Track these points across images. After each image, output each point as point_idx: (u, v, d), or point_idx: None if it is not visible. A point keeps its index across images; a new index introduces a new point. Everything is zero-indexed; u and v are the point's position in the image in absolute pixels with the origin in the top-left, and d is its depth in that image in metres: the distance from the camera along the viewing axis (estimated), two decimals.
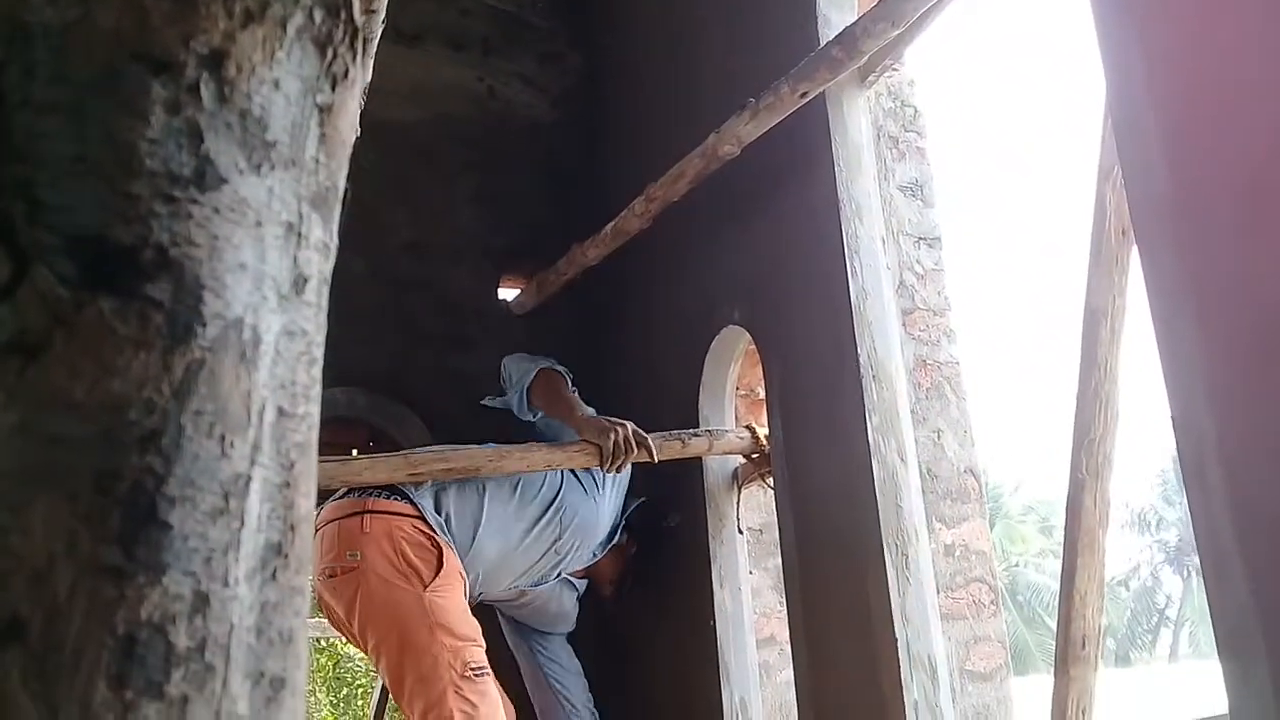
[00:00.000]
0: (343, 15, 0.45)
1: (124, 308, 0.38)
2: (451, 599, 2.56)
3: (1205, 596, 1.61)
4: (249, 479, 0.40)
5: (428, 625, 2.49)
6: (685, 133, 3.03)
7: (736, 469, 3.31)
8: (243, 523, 0.40)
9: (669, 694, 3.45)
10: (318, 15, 0.43)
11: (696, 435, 3.08)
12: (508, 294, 4.02)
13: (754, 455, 3.15)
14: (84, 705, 0.35)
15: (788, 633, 2.93)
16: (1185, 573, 29.59)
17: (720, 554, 3.24)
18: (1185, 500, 1.64)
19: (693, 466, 3.28)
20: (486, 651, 2.60)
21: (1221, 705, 1.56)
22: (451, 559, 2.62)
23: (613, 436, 2.80)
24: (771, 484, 3.03)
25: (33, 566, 0.36)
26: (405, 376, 3.67)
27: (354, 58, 0.46)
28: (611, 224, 3.37)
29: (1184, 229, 1.63)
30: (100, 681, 0.36)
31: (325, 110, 0.44)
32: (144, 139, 0.39)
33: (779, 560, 3.02)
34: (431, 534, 2.63)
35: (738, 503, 3.30)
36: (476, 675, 2.49)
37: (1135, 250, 1.88)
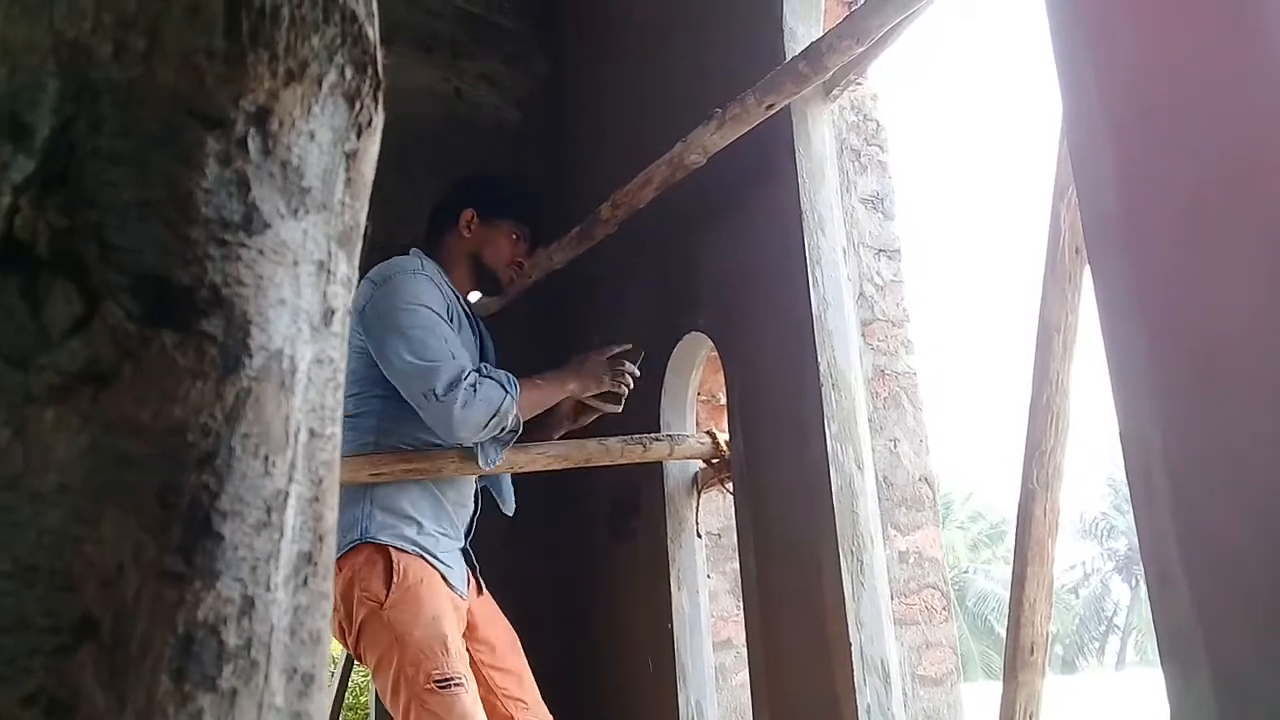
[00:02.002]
0: (369, 71, 0.49)
1: (183, 341, 0.42)
2: (411, 610, 2.47)
3: (1149, 605, 1.66)
4: (287, 494, 0.44)
5: (389, 640, 2.43)
6: (651, 140, 3.07)
7: (696, 473, 3.36)
8: (282, 534, 0.44)
9: (626, 695, 3.49)
10: (348, 72, 0.47)
11: (658, 440, 3.12)
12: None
13: (714, 460, 3.19)
14: (149, 696, 0.39)
15: (744, 636, 2.98)
16: (1133, 581, 30.04)
17: (679, 557, 3.29)
18: (1132, 510, 1.70)
19: (653, 470, 3.32)
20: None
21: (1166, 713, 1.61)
22: (411, 565, 2.54)
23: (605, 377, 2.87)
24: (731, 489, 3.08)
25: (104, 572, 0.39)
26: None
27: (376, 107, 0.50)
28: (577, 229, 3.40)
29: (1134, 248, 1.69)
30: (163, 675, 0.40)
31: (351, 156, 0.48)
32: (200, 188, 0.43)
33: (736, 564, 3.07)
34: (385, 548, 2.54)
35: (697, 507, 3.35)
36: (440, 687, 2.39)
37: (1088, 268, 1.94)
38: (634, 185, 3.07)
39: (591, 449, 2.90)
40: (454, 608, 2.61)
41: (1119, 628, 31.79)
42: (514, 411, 2.59)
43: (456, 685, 2.42)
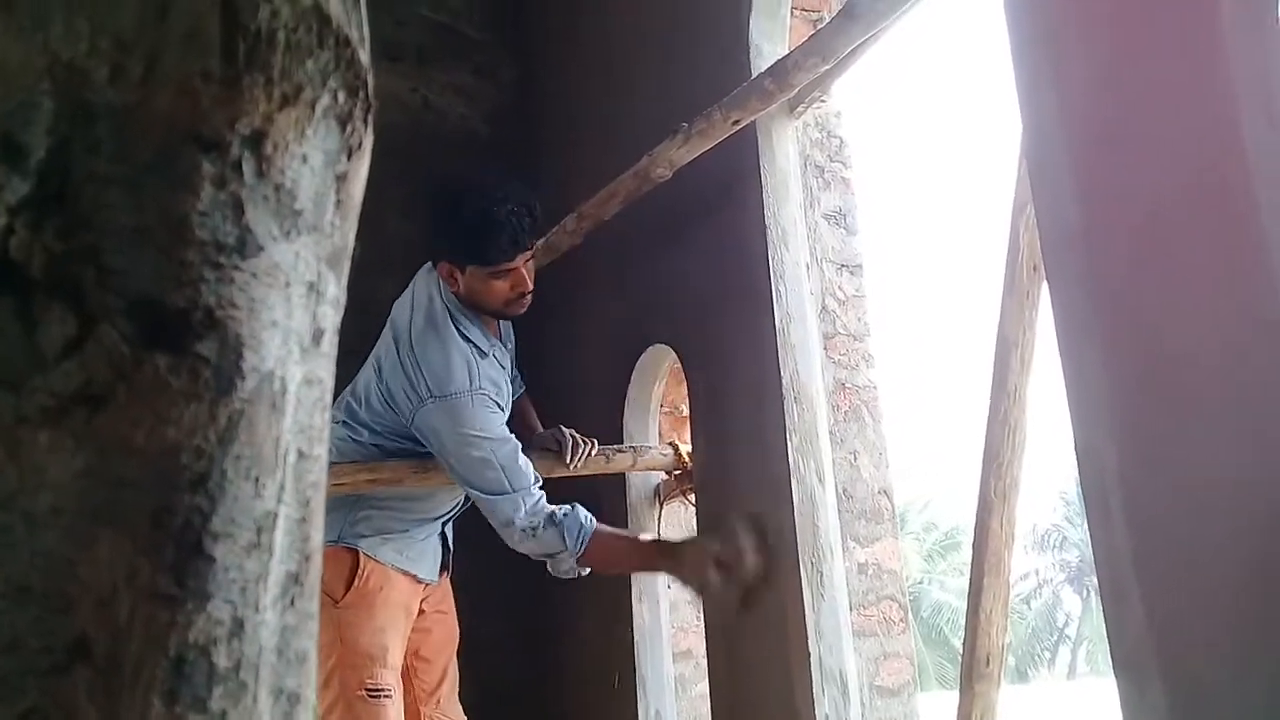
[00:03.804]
0: (360, 95, 0.49)
1: (177, 364, 0.42)
2: (363, 617, 2.53)
3: (1103, 616, 1.69)
4: (276, 516, 0.44)
5: (333, 636, 2.48)
6: (618, 153, 3.08)
7: (659, 485, 3.36)
8: (271, 555, 0.44)
9: (587, 705, 3.49)
10: (341, 96, 0.48)
11: (621, 451, 3.13)
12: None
13: (676, 472, 3.20)
14: (141, 718, 0.39)
15: (704, 647, 2.99)
16: (1085, 592, 30.39)
17: None
18: (1087, 523, 1.73)
19: (616, 481, 3.32)
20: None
21: None
22: (374, 574, 2.58)
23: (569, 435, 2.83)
24: (693, 500, 3.09)
25: (98, 593, 0.40)
26: (335, 388, 3.65)
27: (366, 129, 0.50)
28: (542, 240, 3.40)
29: (1090, 266, 1.72)
30: (155, 697, 0.40)
31: (341, 178, 0.49)
32: (195, 211, 0.43)
33: None
34: (355, 550, 2.59)
35: (659, 518, 3.35)
36: (370, 696, 2.47)
37: (1045, 284, 1.97)
38: (600, 198, 3.09)
39: (551, 459, 2.89)
40: (407, 615, 2.65)
41: (1070, 638, 32.14)
42: (570, 563, 2.56)
43: (385, 697, 2.50)
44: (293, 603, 0.45)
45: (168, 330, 0.43)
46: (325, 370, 0.49)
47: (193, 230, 0.43)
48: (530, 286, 2.68)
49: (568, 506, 2.57)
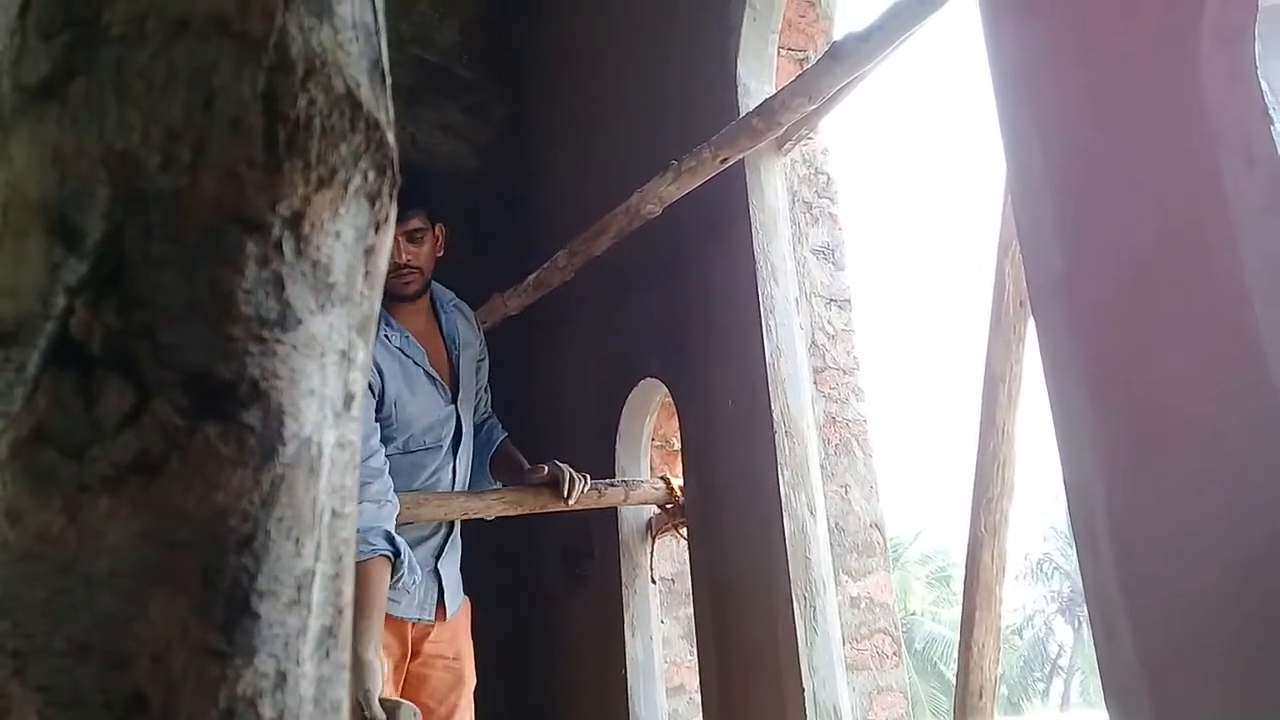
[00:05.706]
0: (388, 173, 0.52)
1: (226, 433, 0.45)
2: None
3: (1094, 649, 1.72)
4: (314, 573, 0.47)
5: None
6: (608, 190, 3.12)
7: (651, 519, 3.38)
8: (310, 610, 0.46)
9: None
10: (370, 175, 0.51)
11: (613, 485, 3.15)
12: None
13: (668, 506, 3.22)
14: None
15: (698, 681, 2.99)
16: (1076, 623, 30.27)
17: (633, 603, 3.30)
18: (1076, 557, 1.75)
19: (608, 516, 3.34)
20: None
21: None
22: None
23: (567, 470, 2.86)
24: (685, 534, 3.11)
25: (154, 650, 0.42)
26: None
27: (392, 204, 0.53)
28: (533, 275, 3.44)
29: (1076, 304, 1.76)
30: None
31: (370, 251, 0.52)
32: (240, 289, 0.46)
33: (690, 610, 3.09)
34: None
35: (651, 552, 3.37)
36: None
37: (1032, 321, 2.01)
38: (591, 233, 3.13)
39: (547, 495, 2.91)
40: (385, 653, 2.58)
41: (1063, 669, 31.99)
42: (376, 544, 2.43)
43: None
44: (328, 655, 0.47)
45: (217, 401, 0.45)
46: (355, 433, 0.51)
47: (238, 307, 0.46)
48: (403, 260, 2.65)
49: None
